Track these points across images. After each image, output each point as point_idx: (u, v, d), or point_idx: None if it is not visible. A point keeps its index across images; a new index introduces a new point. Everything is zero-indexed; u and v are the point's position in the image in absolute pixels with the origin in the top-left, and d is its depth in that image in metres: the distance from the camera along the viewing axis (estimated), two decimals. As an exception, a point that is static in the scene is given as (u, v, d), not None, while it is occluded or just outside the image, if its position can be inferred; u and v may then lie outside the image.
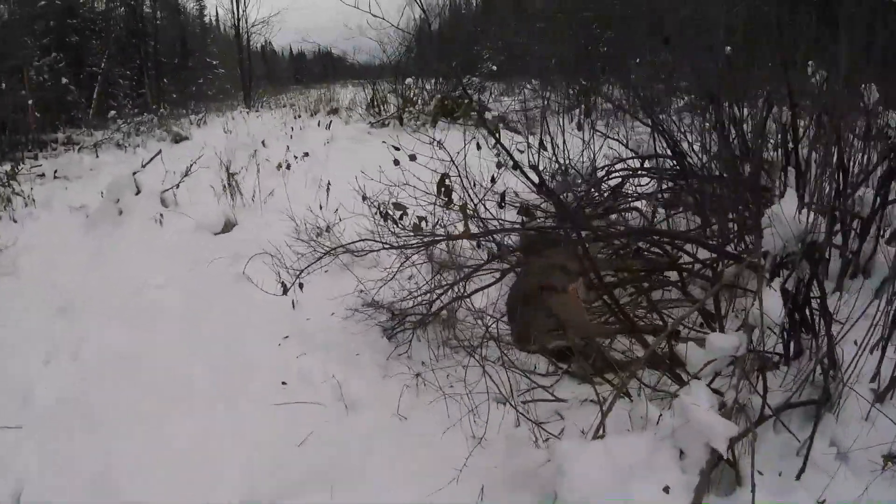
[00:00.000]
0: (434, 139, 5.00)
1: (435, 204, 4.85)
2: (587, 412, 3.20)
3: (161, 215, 6.85)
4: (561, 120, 13.80)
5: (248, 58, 27.53)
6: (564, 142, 7.32)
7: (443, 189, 4.80)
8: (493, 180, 5.19)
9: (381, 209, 4.91)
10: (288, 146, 9.90)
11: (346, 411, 3.59)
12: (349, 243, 4.71)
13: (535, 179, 4.15)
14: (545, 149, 7.02)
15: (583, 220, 5.08)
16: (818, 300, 3.08)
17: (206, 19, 28.92)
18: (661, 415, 2.79)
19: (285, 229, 5.86)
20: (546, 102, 13.14)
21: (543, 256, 4.47)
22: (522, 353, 3.88)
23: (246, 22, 27.56)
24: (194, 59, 22.89)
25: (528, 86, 16.12)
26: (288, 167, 8.14)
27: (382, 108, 14.85)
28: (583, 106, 14.06)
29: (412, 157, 4.96)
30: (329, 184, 7.00)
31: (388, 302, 4.47)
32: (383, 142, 6.04)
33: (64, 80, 17.13)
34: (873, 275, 4.05)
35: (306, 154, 8.68)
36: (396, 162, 5.02)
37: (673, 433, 2.59)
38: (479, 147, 5.53)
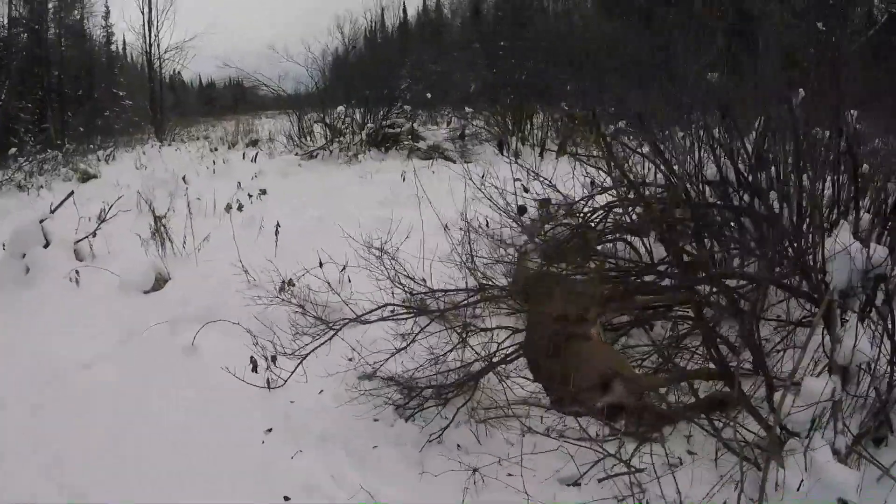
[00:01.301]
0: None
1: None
2: (669, 479, 2.73)
3: (77, 272, 5.54)
4: (497, 148, 13.26)
5: (161, 87, 25.71)
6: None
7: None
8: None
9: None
10: (239, 182, 8.64)
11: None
12: (368, 312, 3.68)
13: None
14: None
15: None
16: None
17: (114, 47, 26.91)
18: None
19: (231, 284, 4.83)
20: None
21: (549, 297, 3.98)
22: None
23: (158, 48, 25.81)
24: (101, 90, 20.95)
25: (457, 115, 15.45)
26: (240, 208, 6.82)
27: (309, 139, 13.78)
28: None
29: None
30: (278, 226, 5.94)
31: (400, 374, 3.54)
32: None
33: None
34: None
35: (263, 192, 7.28)
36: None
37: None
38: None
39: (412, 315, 3.64)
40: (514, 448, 3.12)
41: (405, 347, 3.54)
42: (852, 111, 4.55)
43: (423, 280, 4.03)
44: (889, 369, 2.88)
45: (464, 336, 3.58)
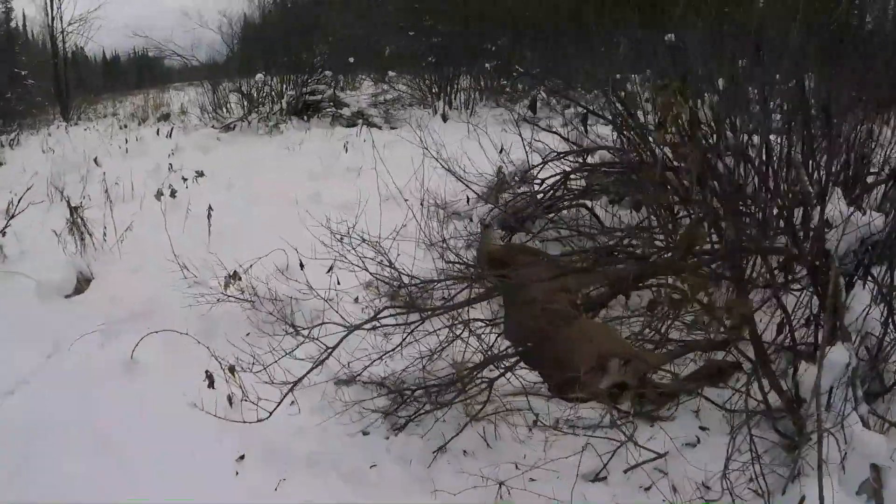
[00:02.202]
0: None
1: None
2: (692, 460, 2.69)
3: (-15, 279, 4.75)
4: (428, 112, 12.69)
5: (65, 64, 23.56)
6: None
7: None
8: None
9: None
10: (171, 165, 7.68)
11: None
12: (375, 317, 3.06)
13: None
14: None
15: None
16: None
17: (14, 24, 24.46)
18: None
19: (165, 279, 4.21)
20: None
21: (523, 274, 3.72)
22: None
23: (61, 21, 23.54)
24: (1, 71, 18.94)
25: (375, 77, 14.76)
26: (173, 194, 5.85)
27: (225, 111, 12.83)
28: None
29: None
30: (210, 209, 5.28)
31: (386, 377, 3.11)
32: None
33: None
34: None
35: (200, 174, 6.23)
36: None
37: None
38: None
39: (405, 314, 3.13)
40: (526, 447, 2.85)
41: (397, 349, 3.05)
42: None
43: (409, 271, 3.53)
44: (882, 331, 2.80)
45: (463, 332, 3.11)
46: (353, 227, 3.51)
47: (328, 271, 3.76)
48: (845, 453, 2.47)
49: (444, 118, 11.72)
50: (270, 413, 2.78)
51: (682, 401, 3.08)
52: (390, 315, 3.07)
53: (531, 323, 3.30)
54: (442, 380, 2.99)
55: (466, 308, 3.23)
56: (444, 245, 4.20)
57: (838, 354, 2.54)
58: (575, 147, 5.28)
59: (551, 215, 5.24)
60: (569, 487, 2.58)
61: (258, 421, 2.77)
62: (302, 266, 3.96)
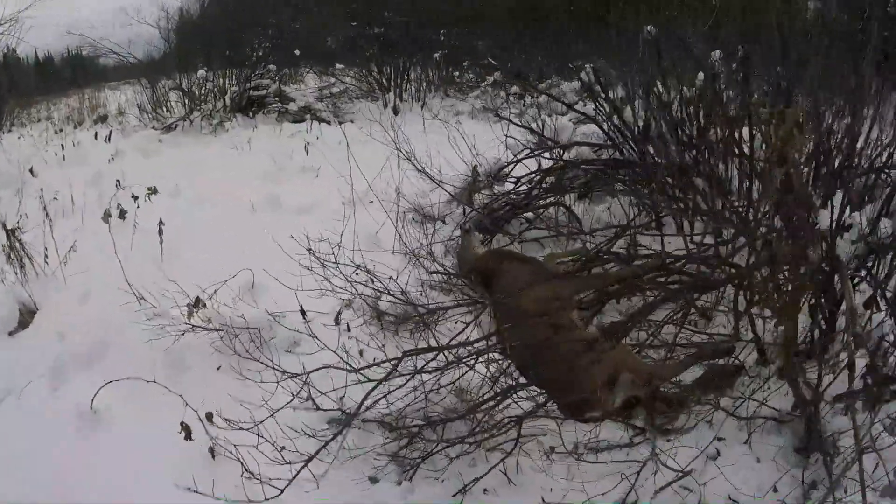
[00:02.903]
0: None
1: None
2: (715, 474, 2.56)
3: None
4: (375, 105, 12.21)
5: (-4, 67, 22.01)
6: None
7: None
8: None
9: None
10: (118, 182, 6.45)
11: None
12: (396, 368, 2.67)
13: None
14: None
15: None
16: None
17: None
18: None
19: (118, 310, 3.73)
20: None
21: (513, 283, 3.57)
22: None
23: None
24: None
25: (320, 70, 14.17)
26: (122, 214, 5.01)
27: (166, 110, 12.09)
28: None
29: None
30: (161, 224, 4.77)
31: (389, 415, 2.74)
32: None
33: None
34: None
35: (153, 191, 5.37)
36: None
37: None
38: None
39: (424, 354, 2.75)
40: (548, 478, 2.63)
41: (406, 387, 2.68)
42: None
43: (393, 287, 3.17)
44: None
45: (476, 364, 2.77)
46: (337, 246, 3.11)
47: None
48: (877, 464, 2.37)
49: (396, 111, 11.29)
50: (281, 490, 2.36)
51: (693, 411, 2.88)
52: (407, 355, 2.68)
53: (528, 338, 3.01)
54: (450, 414, 2.65)
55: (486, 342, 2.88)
56: (429, 255, 3.86)
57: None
58: (551, 143, 4.97)
59: (528, 215, 4.94)
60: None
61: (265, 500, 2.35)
62: (304, 314, 3.52)
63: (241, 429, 2.42)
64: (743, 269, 3.25)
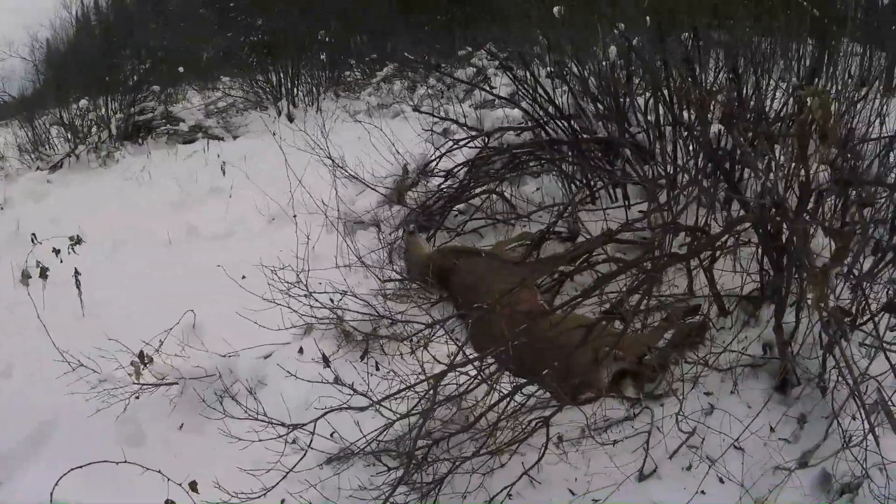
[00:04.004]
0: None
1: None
2: (715, 426, 2.54)
3: None
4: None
5: None
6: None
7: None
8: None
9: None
10: (33, 235, 5.55)
11: None
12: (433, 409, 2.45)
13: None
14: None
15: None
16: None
17: None
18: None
19: (53, 382, 3.19)
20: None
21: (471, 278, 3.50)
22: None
23: None
24: None
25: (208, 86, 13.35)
26: (44, 273, 3.85)
27: (49, 147, 10.97)
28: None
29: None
30: (77, 276, 4.19)
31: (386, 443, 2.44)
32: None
33: None
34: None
35: (77, 241, 4.29)
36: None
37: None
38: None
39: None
40: (569, 467, 2.51)
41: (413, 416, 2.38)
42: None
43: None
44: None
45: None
46: (302, 274, 2.78)
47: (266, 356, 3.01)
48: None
49: (290, 118, 10.74)
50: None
51: (674, 373, 2.85)
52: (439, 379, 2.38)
53: (502, 331, 2.82)
54: (452, 427, 2.41)
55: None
56: (388, 262, 3.60)
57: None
58: (474, 132, 4.74)
59: (461, 206, 4.72)
60: (633, 493, 2.38)
61: None
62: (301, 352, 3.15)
63: (248, 498, 2.06)
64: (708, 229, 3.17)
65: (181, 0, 15.21)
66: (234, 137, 10.95)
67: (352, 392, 2.29)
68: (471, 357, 2.46)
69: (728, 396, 2.75)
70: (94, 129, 10.80)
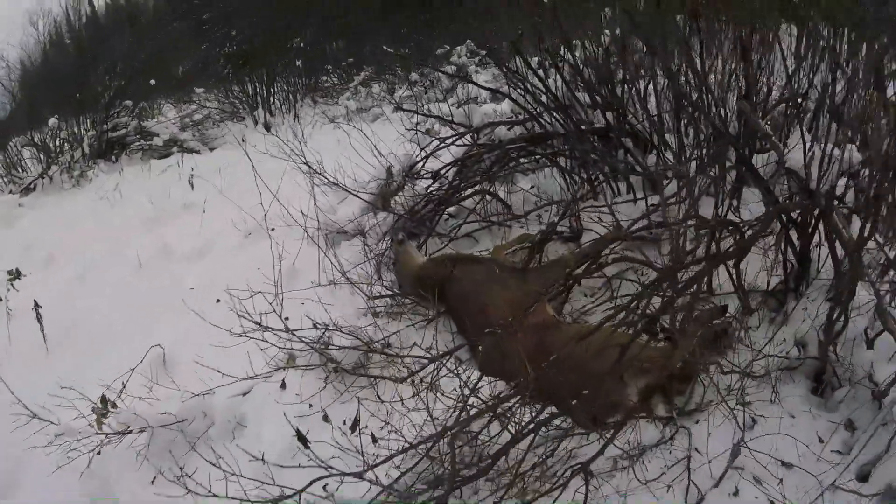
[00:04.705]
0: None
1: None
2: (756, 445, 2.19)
3: None
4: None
5: None
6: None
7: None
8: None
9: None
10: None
11: None
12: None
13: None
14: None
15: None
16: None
17: None
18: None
19: (12, 434, 2.78)
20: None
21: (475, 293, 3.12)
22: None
23: None
24: None
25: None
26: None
27: (21, 170, 10.43)
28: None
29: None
30: (38, 308, 3.76)
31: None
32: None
33: None
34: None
35: (15, 276, 3.91)
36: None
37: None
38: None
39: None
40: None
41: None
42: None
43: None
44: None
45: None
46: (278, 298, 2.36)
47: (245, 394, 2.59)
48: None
49: (267, 127, 10.28)
50: None
51: (705, 383, 2.52)
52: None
53: (518, 354, 2.42)
54: (469, 470, 1.99)
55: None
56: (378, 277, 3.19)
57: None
58: (462, 129, 4.33)
59: (451, 210, 4.30)
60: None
61: None
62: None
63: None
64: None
65: (154, 14, 14.65)
66: (211, 150, 10.48)
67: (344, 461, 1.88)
68: (489, 403, 2.03)
69: (768, 406, 2.41)
70: (66, 148, 10.28)
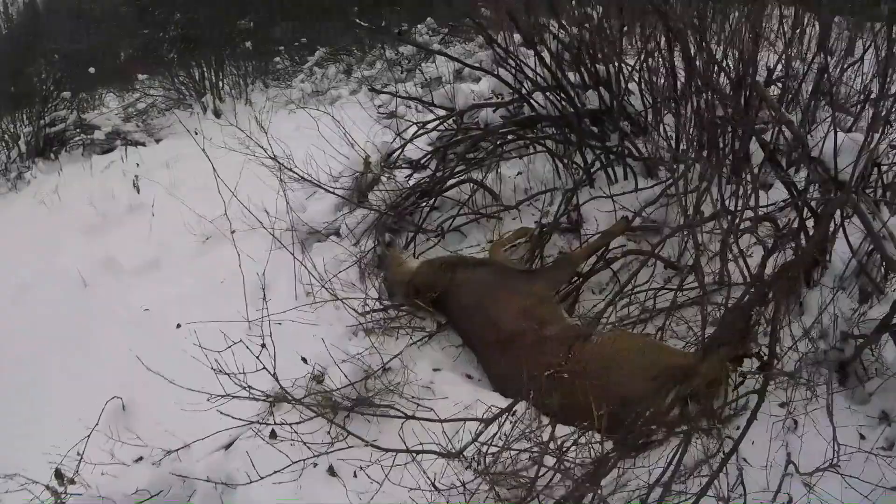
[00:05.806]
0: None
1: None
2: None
3: None
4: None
5: None
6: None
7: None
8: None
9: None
10: None
11: None
12: None
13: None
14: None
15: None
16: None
17: None
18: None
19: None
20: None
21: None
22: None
23: None
24: None
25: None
26: None
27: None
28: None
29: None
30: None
31: None
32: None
33: None
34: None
35: None
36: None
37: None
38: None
39: None
40: None
41: None
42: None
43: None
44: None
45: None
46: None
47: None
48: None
49: (217, 113, 9.51)
50: None
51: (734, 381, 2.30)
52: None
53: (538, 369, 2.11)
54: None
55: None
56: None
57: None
58: (446, 112, 3.81)
59: (433, 202, 3.80)
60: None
61: None
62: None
63: None
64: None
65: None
66: (157, 141, 9.65)
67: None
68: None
69: (808, 403, 2.18)
70: (1, 148, 9.35)
